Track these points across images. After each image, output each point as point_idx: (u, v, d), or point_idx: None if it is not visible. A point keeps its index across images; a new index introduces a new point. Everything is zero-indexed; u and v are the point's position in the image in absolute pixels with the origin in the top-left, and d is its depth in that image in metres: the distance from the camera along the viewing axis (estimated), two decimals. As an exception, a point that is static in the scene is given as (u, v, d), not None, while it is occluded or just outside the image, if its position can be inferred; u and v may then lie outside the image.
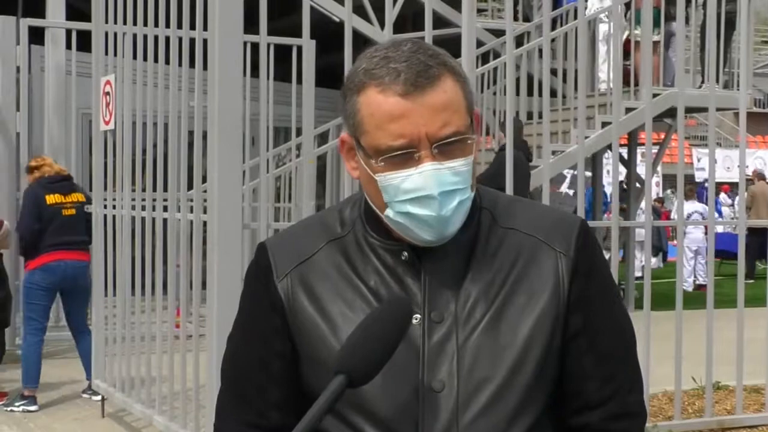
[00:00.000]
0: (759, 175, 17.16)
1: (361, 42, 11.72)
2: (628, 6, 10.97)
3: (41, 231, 7.14)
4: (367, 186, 1.61)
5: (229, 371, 1.74)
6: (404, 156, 1.54)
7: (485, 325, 1.60)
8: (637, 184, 12.80)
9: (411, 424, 1.57)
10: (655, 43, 10.74)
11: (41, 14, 10.97)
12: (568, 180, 16.80)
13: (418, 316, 1.60)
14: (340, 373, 1.46)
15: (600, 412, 1.66)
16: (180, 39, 5.62)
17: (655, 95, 9.72)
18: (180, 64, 5.66)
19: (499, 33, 11.85)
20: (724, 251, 14.09)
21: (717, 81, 11.22)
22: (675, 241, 18.60)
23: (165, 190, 5.86)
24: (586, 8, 10.92)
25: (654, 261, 16.07)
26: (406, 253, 1.62)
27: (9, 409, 7.16)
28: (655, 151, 13.43)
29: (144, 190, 6.11)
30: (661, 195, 22.63)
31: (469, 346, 1.59)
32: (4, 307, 7.58)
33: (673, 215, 18.84)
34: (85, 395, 7.39)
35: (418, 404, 1.57)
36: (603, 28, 11.05)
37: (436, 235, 1.58)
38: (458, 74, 1.59)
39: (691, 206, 15.41)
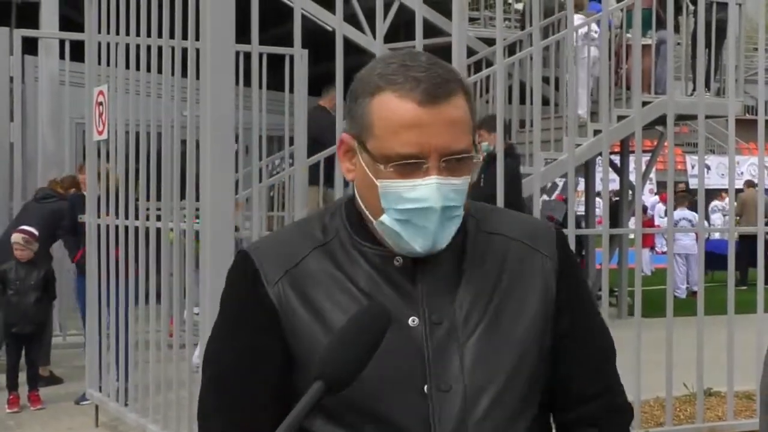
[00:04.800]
0: (748, 182, 17.20)
1: (354, 51, 11.76)
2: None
3: None
4: (364, 190, 1.62)
5: (214, 373, 1.71)
6: (412, 165, 1.56)
7: (483, 328, 1.64)
8: (630, 192, 12.84)
9: (422, 425, 1.59)
10: (647, 46, 10.80)
11: (35, 25, 11.01)
12: (560, 188, 16.84)
13: (416, 318, 1.62)
14: (319, 379, 1.45)
15: (595, 405, 1.73)
16: (172, 48, 5.64)
17: (646, 103, 9.78)
18: (173, 74, 5.69)
19: (491, 41, 11.89)
20: (718, 256, 14.07)
21: (708, 88, 11.27)
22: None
23: (158, 199, 5.88)
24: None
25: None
26: (400, 259, 1.63)
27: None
28: (648, 158, 13.47)
29: (137, 199, 6.12)
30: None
31: (471, 348, 1.62)
32: None
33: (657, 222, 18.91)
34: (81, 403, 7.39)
35: (429, 405, 1.59)
36: (583, 53, 11.05)
37: (426, 248, 1.60)
38: (469, 94, 1.63)
39: (680, 213, 15.41)
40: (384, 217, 1.59)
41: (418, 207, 1.56)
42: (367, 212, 1.64)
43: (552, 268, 1.70)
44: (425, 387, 1.60)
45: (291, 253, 1.67)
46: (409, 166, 1.56)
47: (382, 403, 1.59)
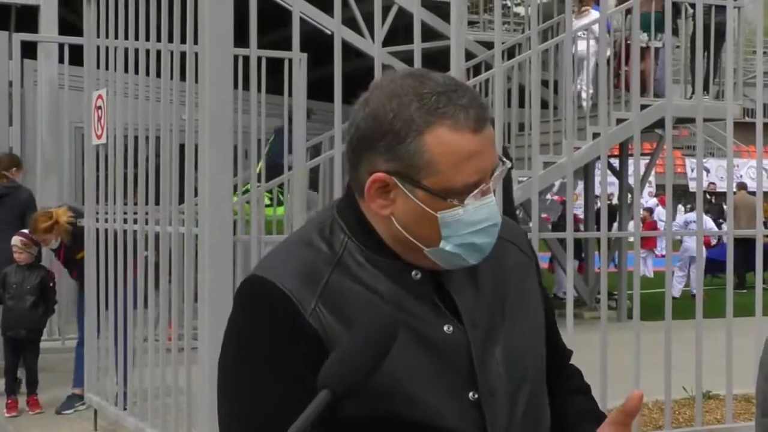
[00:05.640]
0: (740, 185, 17.16)
1: (353, 55, 11.78)
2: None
3: None
4: (414, 221, 1.58)
5: (255, 424, 1.57)
6: (474, 191, 1.57)
7: (506, 328, 1.69)
8: (629, 195, 12.85)
9: (478, 428, 1.61)
10: (656, 49, 10.82)
11: (34, 29, 11.02)
12: (556, 187, 16.84)
13: (450, 326, 1.62)
14: (324, 388, 1.42)
15: (571, 366, 1.95)
16: (171, 53, 5.65)
17: (645, 106, 9.79)
18: (171, 78, 5.69)
19: (490, 45, 11.91)
20: (719, 262, 14.07)
21: (707, 92, 11.29)
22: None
23: (157, 203, 5.88)
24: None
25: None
26: (419, 273, 1.63)
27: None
28: (647, 161, 13.48)
29: (136, 203, 6.13)
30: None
31: (500, 349, 1.67)
32: None
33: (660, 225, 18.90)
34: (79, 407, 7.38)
35: (482, 410, 1.62)
36: (581, 47, 11.05)
37: (481, 259, 1.63)
38: None
39: (691, 216, 15.42)
40: (444, 245, 1.58)
41: (485, 227, 1.59)
42: (416, 242, 1.59)
43: (534, 266, 1.82)
44: (471, 393, 1.62)
45: (313, 272, 1.60)
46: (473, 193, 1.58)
47: (435, 415, 1.58)
